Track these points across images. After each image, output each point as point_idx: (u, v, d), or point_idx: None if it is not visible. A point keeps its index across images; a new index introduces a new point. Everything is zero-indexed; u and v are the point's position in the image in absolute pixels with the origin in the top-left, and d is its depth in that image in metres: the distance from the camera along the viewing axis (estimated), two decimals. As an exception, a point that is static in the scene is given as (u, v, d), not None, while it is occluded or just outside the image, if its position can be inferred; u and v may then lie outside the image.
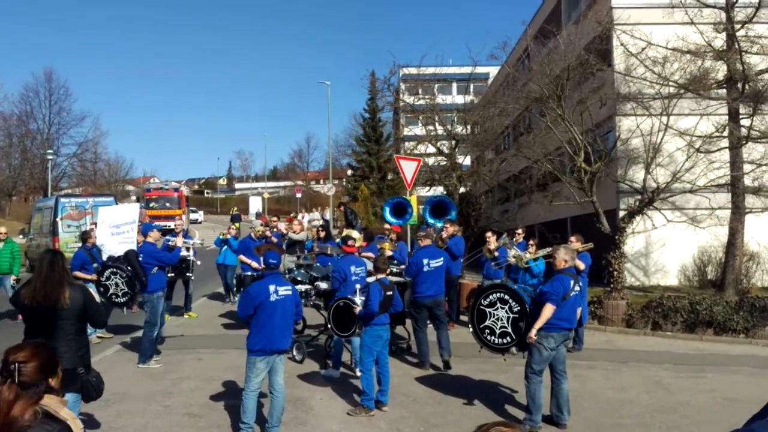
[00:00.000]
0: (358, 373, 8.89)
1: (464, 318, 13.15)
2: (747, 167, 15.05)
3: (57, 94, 54.24)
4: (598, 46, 17.08)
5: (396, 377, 8.26)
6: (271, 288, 6.42)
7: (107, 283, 10.73)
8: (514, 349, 7.24)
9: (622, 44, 14.96)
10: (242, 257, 12.38)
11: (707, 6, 14.60)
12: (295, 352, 9.49)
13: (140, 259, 9.59)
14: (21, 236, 24.95)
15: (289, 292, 6.56)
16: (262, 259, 7.60)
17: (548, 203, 17.78)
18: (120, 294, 10.65)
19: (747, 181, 15.22)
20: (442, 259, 9.75)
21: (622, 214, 17.35)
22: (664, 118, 14.35)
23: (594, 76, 16.32)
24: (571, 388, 7.33)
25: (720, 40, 14.93)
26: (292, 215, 15.16)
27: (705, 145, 14.32)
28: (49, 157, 39.37)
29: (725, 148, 15.02)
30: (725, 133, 14.71)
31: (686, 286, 17.86)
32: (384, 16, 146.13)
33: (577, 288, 7.09)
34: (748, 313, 11.85)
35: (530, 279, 11.10)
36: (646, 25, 15.81)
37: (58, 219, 20.34)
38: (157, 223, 35.00)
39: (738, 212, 15.10)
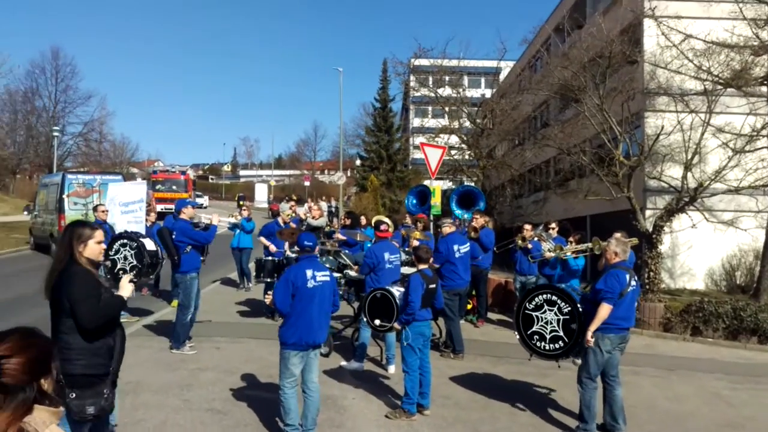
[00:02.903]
0: (390, 371, 8.29)
1: (492, 315, 12.58)
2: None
3: (63, 71, 53.60)
4: (630, 37, 16.41)
5: (432, 377, 7.59)
6: (308, 273, 5.71)
7: (115, 257, 10.02)
8: (574, 359, 6.53)
9: (663, 34, 14.16)
10: (262, 239, 11.68)
11: (750, 0, 13.90)
12: (319, 345, 8.81)
13: (173, 236, 8.92)
14: (25, 213, 24.29)
15: (327, 278, 5.88)
16: (292, 242, 6.91)
17: (583, 197, 17.05)
18: (128, 268, 9.94)
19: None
20: (468, 245, 9.84)
21: (648, 213, 16.75)
22: (704, 115, 13.69)
23: (636, 63, 15.60)
24: (623, 396, 6.67)
25: (763, 34, 14.21)
26: (289, 202, 14.31)
27: (749, 144, 13.61)
28: (55, 134, 38.65)
29: (764, 148, 14.33)
30: (765, 132, 14.03)
31: (714, 290, 17.20)
32: (400, 4, 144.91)
33: (633, 283, 6.44)
34: (796, 321, 11.16)
35: (567, 275, 10.49)
36: (683, 19, 15.10)
37: (64, 196, 19.64)
38: (162, 206, 34.57)
39: (777, 215, 14.44)
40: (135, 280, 4.16)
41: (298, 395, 5.80)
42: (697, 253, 17.55)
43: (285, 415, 5.59)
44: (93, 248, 4.07)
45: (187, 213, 9.36)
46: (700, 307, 11.68)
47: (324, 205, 27.96)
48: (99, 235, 4.15)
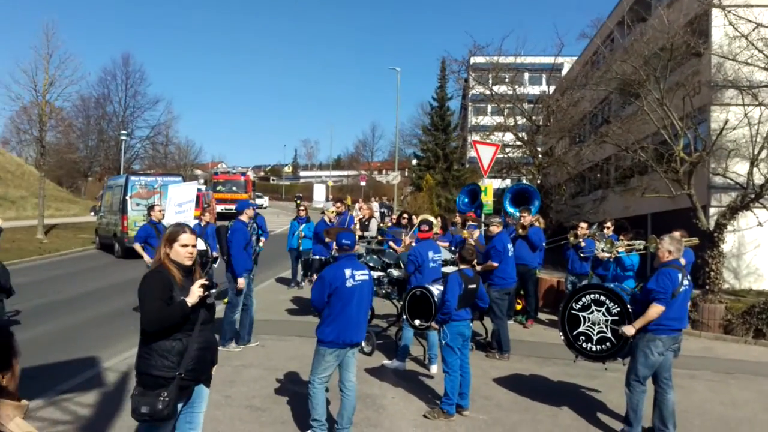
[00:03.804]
0: (433, 371, 8.20)
1: (543, 315, 12.32)
2: None
3: (133, 77, 55.61)
4: (696, 28, 15.73)
5: (474, 377, 7.44)
6: (347, 272, 5.68)
7: None
8: (621, 361, 6.28)
9: (730, 24, 13.48)
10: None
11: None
12: (363, 343, 8.79)
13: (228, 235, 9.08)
14: (92, 214, 25.33)
15: (366, 277, 5.83)
16: (335, 241, 6.86)
17: (640, 195, 16.48)
18: None
19: None
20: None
21: (713, 210, 16.03)
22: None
23: (701, 56, 14.93)
24: (675, 401, 6.38)
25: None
26: (337, 205, 13.82)
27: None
28: (123, 137, 40.09)
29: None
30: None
31: (783, 291, 16.31)
32: (456, 1, 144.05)
33: (686, 282, 6.14)
34: None
35: (621, 272, 10.16)
36: (753, 7, 14.32)
37: (127, 197, 20.36)
38: (223, 206, 35.37)
39: None
40: (207, 283, 4.02)
41: (336, 393, 5.80)
42: (764, 252, 16.71)
43: (312, 410, 5.59)
44: (178, 251, 4.07)
45: (247, 214, 9.52)
46: (764, 309, 11.11)
47: (375, 205, 27.87)
48: (185, 238, 4.11)
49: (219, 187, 40.78)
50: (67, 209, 41.65)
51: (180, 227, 4.21)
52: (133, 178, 21.69)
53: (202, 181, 41.87)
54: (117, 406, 6.47)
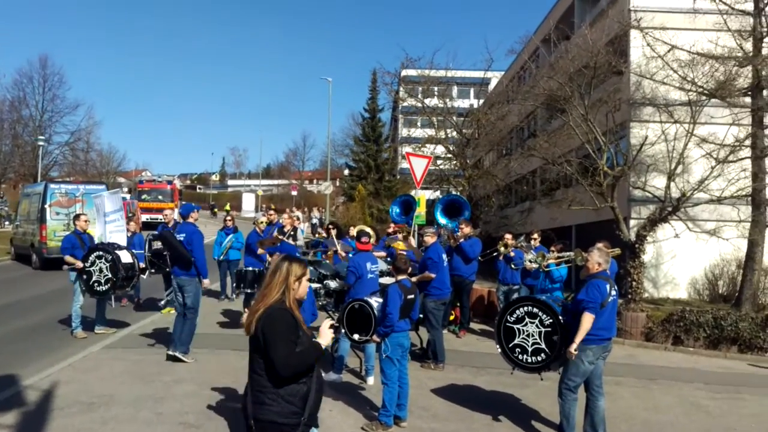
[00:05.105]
0: (369, 382, 8.20)
1: (475, 325, 12.53)
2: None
3: (51, 80, 53.12)
4: (617, 48, 16.49)
5: (411, 388, 7.45)
6: None
7: (91, 269, 10.07)
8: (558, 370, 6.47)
9: (648, 45, 14.23)
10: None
11: (734, 12, 13.99)
12: (299, 356, 8.68)
13: (182, 239, 8.83)
14: (7, 223, 24.07)
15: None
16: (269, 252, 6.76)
17: (567, 207, 17.07)
18: (102, 281, 9.99)
19: (769, 193, 14.55)
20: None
21: (633, 222, 16.78)
22: (688, 125, 13.74)
23: (622, 74, 15.66)
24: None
25: (747, 45, 14.31)
26: (269, 213, 13.60)
27: (732, 155, 13.66)
28: (40, 143, 38.31)
29: (746, 158, 14.39)
30: (747, 143, 14.10)
31: (696, 299, 17.23)
32: (388, 14, 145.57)
33: (613, 293, 6.41)
34: (775, 330, 11.19)
35: (549, 284, 10.48)
36: (669, 30, 15.17)
37: (46, 206, 19.43)
38: (148, 216, 34.32)
39: (758, 225, 14.46)
40: (336, 324, 3.75)
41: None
42: (680, 262, 17.58)
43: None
44: (305, 286, 3.86)
45: (194, 216, 9.39)
46: (682, 317, 11.70)
47: (299, 214, 27.62)
48: (308, 272, 3.93)
49: (144, 196, 39.59)
50: (-23, 218, 39.35)
51: (303, 261, 3.94)
52: (52, 185, 20.69)
53: (126, 189, 40.48)
54: (39, 427, 6.15)
